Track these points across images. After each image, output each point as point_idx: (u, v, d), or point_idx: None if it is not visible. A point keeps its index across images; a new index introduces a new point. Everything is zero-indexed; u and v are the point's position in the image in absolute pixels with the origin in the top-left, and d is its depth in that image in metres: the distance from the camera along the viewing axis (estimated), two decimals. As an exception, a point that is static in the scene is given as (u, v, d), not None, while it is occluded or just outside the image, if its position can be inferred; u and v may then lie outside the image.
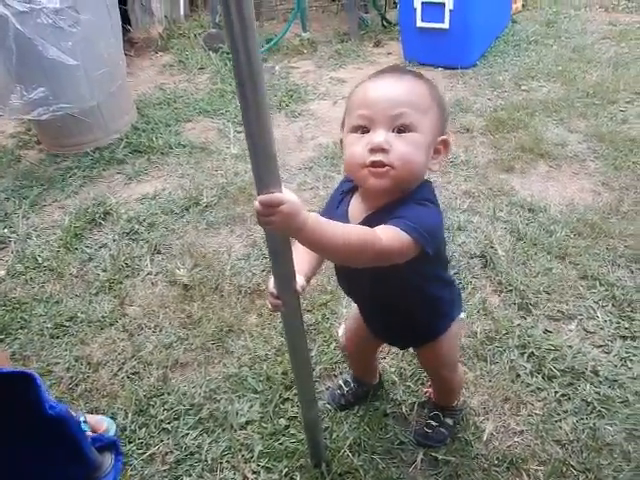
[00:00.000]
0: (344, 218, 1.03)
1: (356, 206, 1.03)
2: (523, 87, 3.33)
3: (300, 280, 1.00)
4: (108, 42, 2.73)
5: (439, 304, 1.16)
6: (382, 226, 0.90)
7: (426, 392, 1.53)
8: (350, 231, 0.87)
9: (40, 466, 0.71)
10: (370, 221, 0.95)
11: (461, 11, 3.36)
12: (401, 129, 0.91)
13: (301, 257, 1.07)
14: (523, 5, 4.62)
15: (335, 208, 1.08)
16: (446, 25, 3.43)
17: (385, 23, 4.46)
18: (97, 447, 0.79)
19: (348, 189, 1.07)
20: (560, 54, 3.75)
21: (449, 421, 1.43)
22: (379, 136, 0.91)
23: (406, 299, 1.10)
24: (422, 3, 3.45)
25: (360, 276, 1.07)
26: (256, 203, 0.77)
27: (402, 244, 0.88)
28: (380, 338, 1.31)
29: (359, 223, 0.98)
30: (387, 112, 0.91)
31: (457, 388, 1.44)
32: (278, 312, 1.04)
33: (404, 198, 0.96)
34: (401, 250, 0.89)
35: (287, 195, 0.77)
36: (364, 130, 0.93)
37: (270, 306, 1.01)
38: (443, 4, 3.38)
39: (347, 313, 1.82)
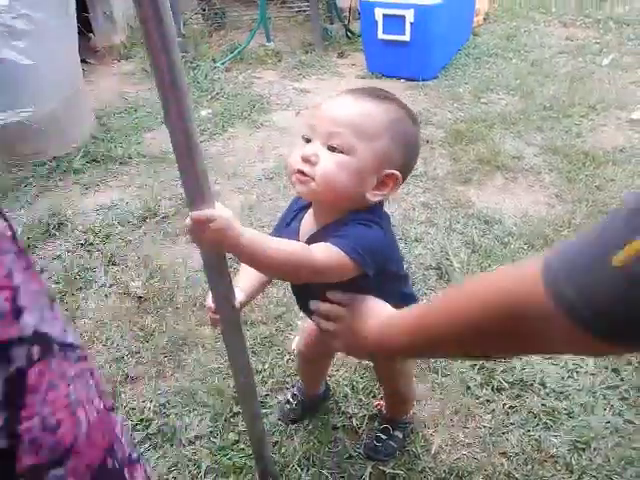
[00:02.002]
0: (294, 234, 1.02)
1: (307, 223, 1.03)
2: (482, 100, 3.40)
3: (240, 296, 0.99)
4: (64, 44, 2.67)
5: None
6: (318, 244, 0.90)
7: (377, 405, 1.53)
8: (286, 248, 0.87)
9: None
10: (316, 238, 0.95)
11: (421, 24, 3.42)
12: (332, 148, 0.91)
13: (246, 272, 1.07)
14: (484, 19, 4.73)
15: (286, 224, 1.08)
16: (407, 37, 3.48)
17: (349, 34, 4.50)
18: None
19: (302, 206, 1.07)
20: (519, 67, 3.84)
21: (398, 434, 1.44)
22: (310, 148, 0.92)
23: None
24: (383, 15, 3.50)
25: (313, 293, 1.06)
26: (188, 220, 0.76)
27: (337, 262, 0.88)
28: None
29: (306, 239, 0.98)
30: (325, 128, 0.91)
31: (410, 400, 1.45)
32: (218, 327, 1.03)
33: (349, 218, 0.95)
34: (335, 268, 0.89)
35: (219, 211, 0.77)
36: (307, 140, 0.95)
37: (209, 321, 1.00)
38: (404, 17, 3.42)
39: (301, 325, 1.81)
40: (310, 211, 1.04)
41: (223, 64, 4.07)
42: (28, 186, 2.73)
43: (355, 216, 0.95)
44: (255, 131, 3.20)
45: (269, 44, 4.40)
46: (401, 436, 1.44)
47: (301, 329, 1.42)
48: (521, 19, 4.86)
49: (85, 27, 3.97)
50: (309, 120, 0.97)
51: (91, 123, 3.18)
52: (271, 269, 0.89)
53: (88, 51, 4.07)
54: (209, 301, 0.98)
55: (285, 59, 4.23)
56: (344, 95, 0.96)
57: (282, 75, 3.98)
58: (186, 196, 0.78)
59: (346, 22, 4.51)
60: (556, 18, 4.86)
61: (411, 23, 3.43)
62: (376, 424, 1.49)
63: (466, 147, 2.86)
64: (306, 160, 0.91)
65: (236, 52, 4.20)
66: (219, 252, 0.86)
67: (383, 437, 1.42)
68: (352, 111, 0.92)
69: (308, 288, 1.03)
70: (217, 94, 3.63)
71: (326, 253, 0.88)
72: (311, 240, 0.95)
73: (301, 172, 0.92)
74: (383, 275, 0.96)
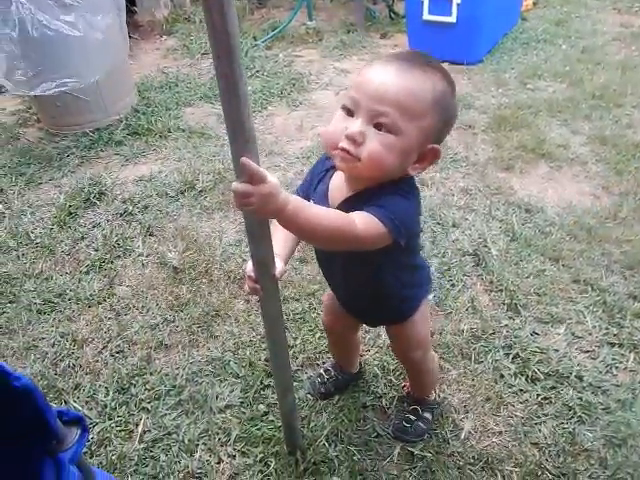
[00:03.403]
0: (323, 197, 1.02)
1: (336, 186, 1.02)
2: (529, 86, 3.29)
3: (279, 265, 0.99)
4: (111, 18, 2.70)
5: (408, 286, 1.16)
6: (359, 213, 0.89)
7: (404, 386, 1.52)
8: (329, 216, 0.86)
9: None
10: (349, 203, 0.94)
11: (469, 5, 3.32)
12: (379, 126, 0.88)
13: (280, 238, 1.06)
14: (534, 3, 4.56)
15: (314, 186, 1.07)
16: (453, 19, 3.39)
17: (393, 15, 4.41)
18: (63, 421, 0.78)
19: (329, 167, 1.04)
20: (568, 54, 3.70)
21: (427, 415, 1.43)
22: (355, 125, 0.89)
23: (376, 284, 1.10)
24: (429, -5, 3.41)
25: (334, 260, 1.10)
26: (235, 183, 0.75)
27: (376, 231, 0.88)
28: (351, 315, 1.29)
29: (338, 205, 0.97)
30: (371, 105, 0.88)
31: (431, 377, 1.43)
32: (256, 296, 1.03)
33: (385, 185, 0.94)
34: (375, 238, 0.89)
35: (269, 176, 0.76)
36: (349, 112, 0.91)
37: (248, 289, 1.00)
38: (451, -3, 3.33)
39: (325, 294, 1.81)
40: (339, 174, 1.01)
41: (264, 42, 4.05)
42: (71, 155, 2.79)
43: (392, 185, 0.94)
44: (294, 110, 3.18)
45: (310, 23, 4.35)
46: (430, 418, 1.43)
47: (323, 298, 1.41)
48: (573, 4, 4.67)
49: (130, 2, 4.00)
50: (351, 91, 0.92)
51: (133, 96, 3.22)
52: (315, 237, 0.89)
53: (132, 26, 4.09)
54: (248, 269, 0.98)
55: (326, 39, 4.18)
56: (387, 64, 0.91)
57: (323, 54, 3.94)
58: (234, 162, 0.77)
59: (390, 2, 4.42)
60: (610, 4, 4.65)
61: (458, 4, 3.33)
62: (405, 405, 1.48)
63: (509, 133, 2.78)
64: (351, 139, 0.88)
65: (277, 30, 4.18)
66: (262, 219, 0.86)
67: (412, 418, 1.41)
68: (399, 88, 0.87)
69: (330, 256, 1.04)
70: (257, 72, 3.62)
71: (366, 222, 0.88)
72: (345, 205, 0.94)
73: (345, 151, 0.89)
74: (409, 246, 0.96)
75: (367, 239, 0.88)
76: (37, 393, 0.72)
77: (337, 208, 0.94)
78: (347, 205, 0.94)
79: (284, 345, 1.13)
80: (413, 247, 1.08)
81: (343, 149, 0.89)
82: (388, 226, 0.88)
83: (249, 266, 0.97)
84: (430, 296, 1.24)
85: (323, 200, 1.01)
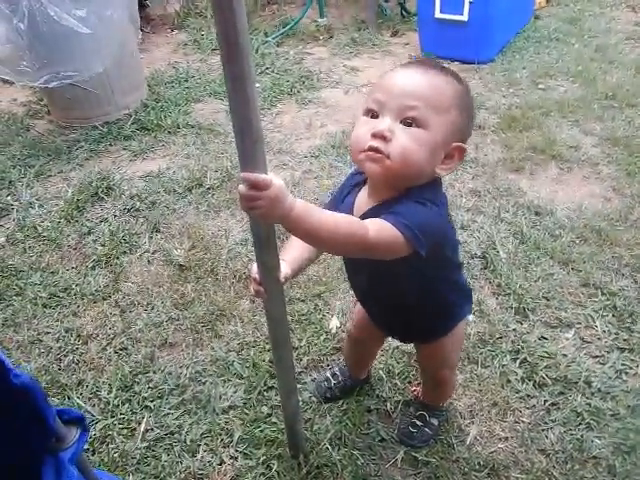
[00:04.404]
0: (349, 210, 1.01)
1: (362, 199, 1.01)
2: (540, 85, 3.25)
3: (284, 269, 0.98)
4: (121, 13, 2.69)
5: (444, 306, 1.13)
6: (373, 219, 0.87)
7: (414, 390, 1.51)
8: (337, 221, 0.84)
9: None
10: (371, 214, 0.92)
11: (481, 3, 3.28)
12: (408, 122, 0.88)
13: (293, 247, 1.06)
14: (547, 1, 4.51)
15: (341, 199, 1.06)
16: (465, 17, 3.35)
17: (404, 13, 4.38)
18: (63, 420, 0.77)
19: (358, 182, 1.04)
20: (581, 53, 3.65)
21: (434, 421, 1.41)
22: (383, 123, 0.88)
23: (404, 298, 1.07)
24: (442, -7, 3.38)
25: (360, 268, 1.07)
26: (241, 186, 0.74)
27: (388, 238, 0.85)
28: (383, 331, 1.28)
29: (361, 216, 0.95)
30: (398, 101, 0.88)
31: (450, 389, 1.42)
32: (260, 299, 1.02)
33: (407, 194, 0.92)
34: (387, 244, 0.86)
35: (274, 179, 0.74)
36: (374, 115, 0.91)
37: (252, 292, 0.99)
38: (463, -5, 3.30)
39: (340, 306, 1.80)
40: (366, 188, 1.01)
41: (274, 39, 4.03)
42: (80, 149, 2.79)
43: (410, 193, 0.92)
44: (303, 108, 3.16)
45: (321, 20, 4.33)
46: (437, 424, 1.41)
47: (354, 309, 1.40)
48: (586, 2, 4.61)
49: (141, -5, 4.00)
50: (374, 94, 0.92)
51: (143, 91, 3.21)
52: (322, 242, 0.87)
53: (144, 20, 4.08)
54: (254, 272, 0.97)
55: (337, 36, 4.16)
56: (407, 67, 0.94)
57: (333, 52, 3.92)
58: (240, 163, 0.76)
59: (402, 0, 4.38)
60: (624, 2, 4.58)
61: (470, 2, 3.30)
62: (411, 410, 1.46)
63: (520, 134, 2.75)
64: (380, 136, 0.88)
65: (288, 27, 4.16)
66: (268, 222, 0.85)
67: (419, 423, 1.40)
68: (423, 84, 0.89)
69: (357, 263, 1.01)
70: (267, 69, 3.61)
71: (377, 228, 0.85)
72: (366, 216, 0.92)
73: (374, 150, 0.88)
74: (437, 259, 0.93)
75: (380, 245, 0.86)
76: (37, 392, 0.71)
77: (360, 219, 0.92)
78: (368, 216, 0.92)
79: (288, 348, 1.12)
80: (445, 260, 1.03)
81: (371, 148, 0.89)
82: (404, 233, 0.85)
83: (254, 268, 0.96)
84: (470, 317, 1.21)
85: (349, 212, 0.99)
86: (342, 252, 0.94)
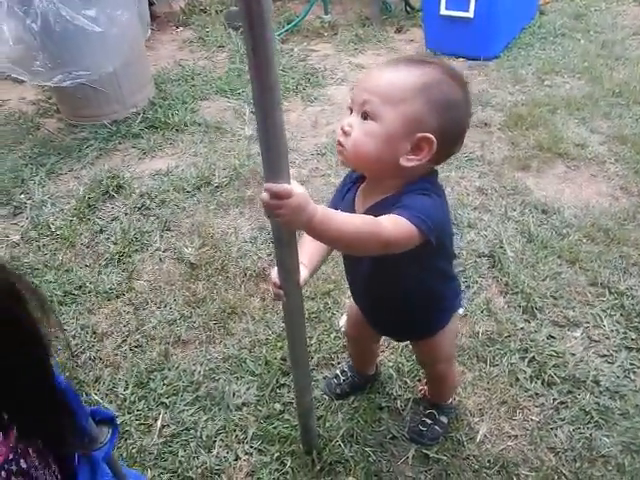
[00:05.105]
0: (350, 207, 1.04)
1: (362, 195, 1.05)
2: (546, 82, 3.25)
3: (304, 273, 1.00)
4: (130, 12, 2.70)
5: (438, 299, 1.16)
6: (387, 215, 0.90)
7: (421, 389, 1.53)
8: (356, 222, 0.88)
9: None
10: (374, 210, 0.96)
11: (487, 0, 3.27)
12: (365, 115, 0.93)
13: (307, 249, 1.08)
14: (553, -3, 4.49)
15: (341, 197, 1.09)
16: (470, 14, 3.34)
17: (409, 9, 4.37)
18: (95, 420, 0.80)
19: (356, 178, 1.08)
20: (587, 49, 3.64)
21: (444, 419, 1.44)
22: (347, 119, 0.96)
23: (403, 291, 1.10)
24: (447, -10, 3.37)
25: (358, 268, 1.11)
26: (264, 194, 0.76)
27: (405, 232, 0.89)
28: (377, 330, 1.31)
29: (364, 212, 0.99)
30: (359, 97, 0.95)
31: (452, 385, 1.44)
32: (280, 301, 1.04)
33: (408, 189, 0.96)
34: (406, 239, 0.89)
35: (296, 188, 0.77)
36: (351, 111, 0.98)
37: (273, 295, 1.01)
38: (469, -8, 3.29)
39: (349, 303, 1.82)
40: (364, 184, 1.05)
41: (279, 35, 4.03)
42: (89, 147, 2.82)
43: (411, 187, 0.96)
44: (309, 105, 3.18)
45: (326, 17, 4.32)
46: (446, 421, 1.44)
47: (348, 308, 1.42)
48: (592, -3, 4.59)
49: (147, -8, 3.99)
50: (351, 91, 0.99)
51: (150, 89, 3.23)
52: (344, 244, 0.91)
53: (149, 17, 4.10)
54: (274, 275, 0.99)
55: (341, 33, 4.15)
56: (382, 65, 0.99)
57: (338, 49, 3.92)
58: (264, 171, 0.77)
59: (407, -4, 4.37)
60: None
61: (476, -1, 3.30)
62: (421, 408, 1.49)
63: (526, 132, 2.76)
64: (342, 130, 0.95)
65: (293, 24, 4.16)
66: (291, 229, 0.87)
67: (428, 422, 1.42)
68: (381, 79, 0.95)
69: (356, 261, 1.06)
70: (273, 66, 3.60)
71: (395, 223, 0.88)
72: (370, 212, 0.95)
73: (338, 143, 0.96)
74: (438, 247, 0.95)
75: (398, 240, 0.88)
76: (70, 392, 0.74)
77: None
78: (371, 213, 0.94)
79: (304, 349, 1.14)
80: (444, 251, 1.06)
81: (338, 142, 0.97)
82: (419, 226, 0.88)
83: (274, 272, 0.98)
84: (460, 310, 1.23)
85: (350, 208, 1.03)
86: (363, 252, 0.96)
